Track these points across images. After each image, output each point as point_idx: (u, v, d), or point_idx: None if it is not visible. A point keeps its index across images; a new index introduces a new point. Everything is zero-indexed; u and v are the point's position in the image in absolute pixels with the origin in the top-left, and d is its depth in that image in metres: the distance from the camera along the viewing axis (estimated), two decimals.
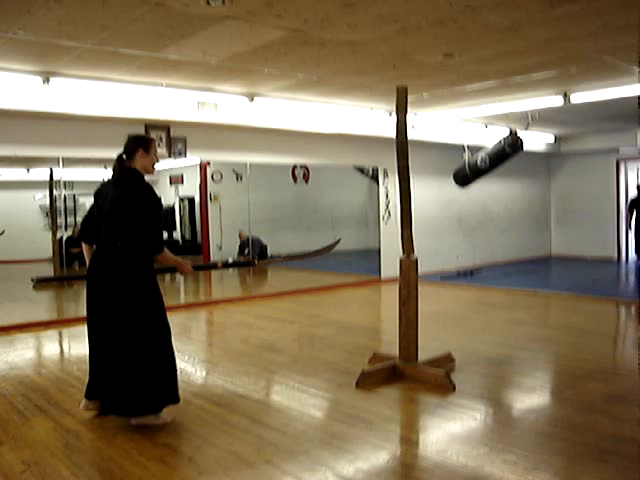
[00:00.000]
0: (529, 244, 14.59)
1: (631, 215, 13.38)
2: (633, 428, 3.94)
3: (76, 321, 7.90)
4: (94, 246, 4.24)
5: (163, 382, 4.13)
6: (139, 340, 4.04)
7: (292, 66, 6.51)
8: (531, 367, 5.56)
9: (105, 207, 4.11)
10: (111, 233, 4.05)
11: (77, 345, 6.96)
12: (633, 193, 13.75)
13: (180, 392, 4.74)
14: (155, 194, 4.09)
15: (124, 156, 4.19)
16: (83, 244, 4.37)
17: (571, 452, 3.58)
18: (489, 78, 7.34)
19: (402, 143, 5.15)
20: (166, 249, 4.11)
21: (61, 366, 6.00)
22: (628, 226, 13.59)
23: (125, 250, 4.01)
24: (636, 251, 13.48)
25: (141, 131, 8.24)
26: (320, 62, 6.35)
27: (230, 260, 14.57)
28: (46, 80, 6.60)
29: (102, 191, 4.26)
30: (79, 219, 15.29)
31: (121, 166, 4.18)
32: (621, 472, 3.28)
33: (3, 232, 9.05)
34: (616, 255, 14.07)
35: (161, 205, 4.17)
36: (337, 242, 5.36)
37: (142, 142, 4.21)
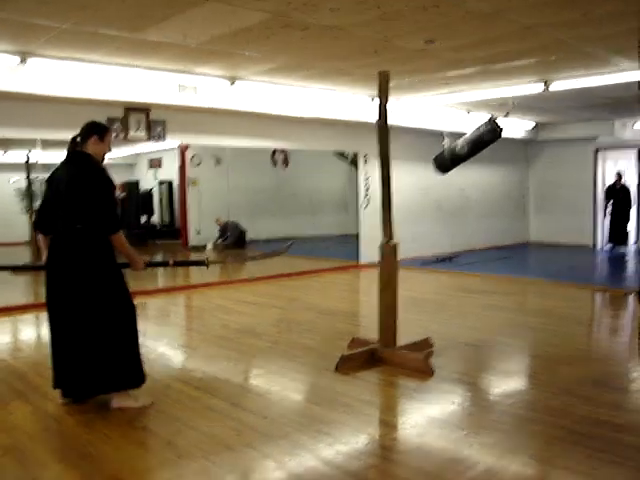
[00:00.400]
0: (507, 230, 14.69)
1: (607, 203, 13.58)
2: (608, 411, 4.00)
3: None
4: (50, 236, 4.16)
5: (126, 363, 4.12)
6: (102, 321, 4.01)
7: (273, 50, 6.47)
8: (508, 352, 5.63)
9: (61, 190, 4.05)
10: (68, 216, 3.98)
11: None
12: (611, 181, 13.88)
13: (159, 376, 4.75)
14: (107, 175, 4.07)
15: (78, 139, 4.16)
16: (40, 234, 4.25)
17: (548, 435, 3.64)
18: (470, 65, 7.36)
19: (383, 128, 5.15)
20: (122, 235, 4.04)
21: (39, 350, 5.95)
22: (604, 214, 13.78)
23: (84, 233, 3.96)
24: (610, 239, 13.68)
25: (120, 114, 8.17)
26: (302, 46, 6.32)
27: (209, 246, 14.56)
28: (23, 60, 6.51)
29: (55, 176, 4.19)
30: None
31: (74, 149, 4.16)
32: (597, 454, 3.33)
33: None
34: (592, 242, 14.22)
35: (113, 186, 4.12)
36: (289, 246, 5.41)
37: (98, 129, 4.18)
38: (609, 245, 13.68)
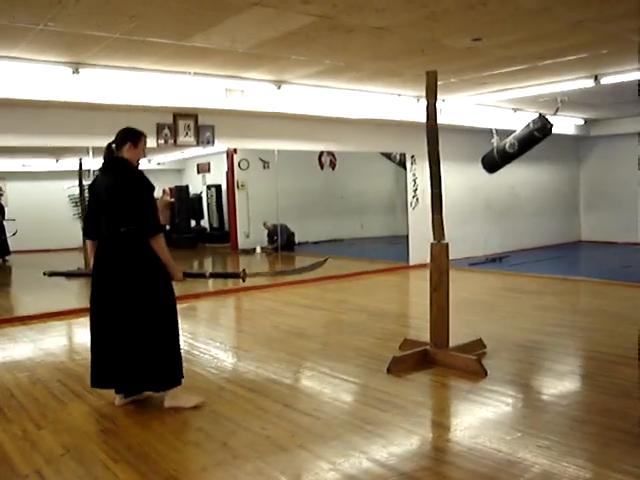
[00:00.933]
0: (558, 229, 14.45)
1: None
2: None
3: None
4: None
5: (170, 362, 4.18)
6: (147, 321, 4.09)
7: (319, 52, 6.49)
8: (562, 353, 5.53)
9: (102, 197, 4.16)
10: (112, 221, 4.10)
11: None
12: None
13: (213, 378, 4.83)
14: (145, 178, 4.13)
15: (113, 146, 4.25)
16: (88, 241, 4.38)
17: (604, 438, 3.57)
18: (518, 62, 7.26)
19: (432, 128, 5.13)
20: (162, 239, 4.10)
21: None
22: None
23: (128, 236, 4.05)
24: None
25: (169, 119, 8.30)
26: (347, 48, 6.33)
27: (258, 249, 14.66)
28: (76, 71, 6.66)
29: (95, 183, 4.31)
30: None
31: (110, 156, 4.25)
32: None
33: (15, 233, 9.13)
34: None
35: (153, 189, 4.17)
36: (325, 261, 5.43)
37: (131, 136, 4.24)
38: None
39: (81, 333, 7.19)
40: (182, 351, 4.36)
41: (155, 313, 4.13)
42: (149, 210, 4.09)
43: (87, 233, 4.36)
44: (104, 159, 4.28)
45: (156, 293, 4.15)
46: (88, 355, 5.85)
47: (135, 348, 4.09)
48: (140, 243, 4.07)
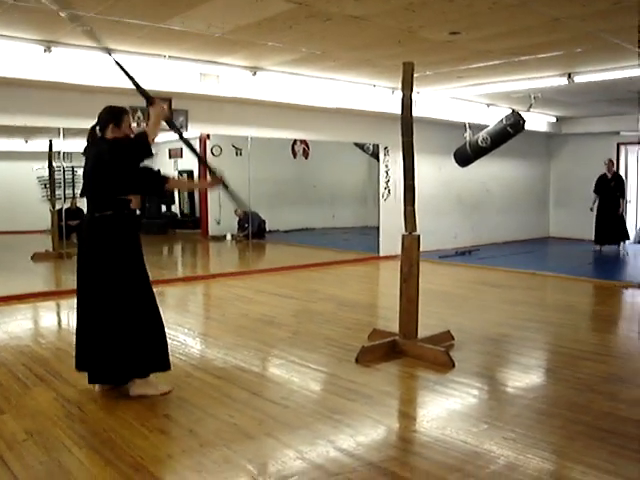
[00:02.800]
0: (528, 225, 14.59)
1: (596, 196, 12.32)
2: (630, 408, 3.97)
3: (74, 292, 7.89)
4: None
5: (150, 348, 4.14)
6: (126, 306, 4.05)
7: (296, 40, 6.45)
8: (530, 347, 5.58)
9: (85, 170, 4.18)
10: (92, 195, 4.11)
11: (75, 316, 6.97)
12: (624, 174, 13.68)
13: (180, 364, 4.79)
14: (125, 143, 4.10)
15: (97, 128, 4.19)
16: None
17: (569, 431, 3.61)
18: (494, 57, 7.29)
19: (407, 119, 5.13)
20: (172, 179, 4.11)
21: (60, 337, 6.01)
22: (591, 209, 12.39)
23: (111, 218, 4.03)
24: (596, 239, 12.37)
25: (142, 103, 8.17)
26: (325, 36, 6.29)
27: (229, 236, 14.60)
28: (47, 49, 6.54)
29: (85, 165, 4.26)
30: (77, 191, 15.26)
31: (93, 138, 4.21)
32: (618, 451, 3.31)
33: None
34: None
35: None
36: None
37: (113, 116, 4.16)
38: (597, 246, 12.39)
39: (48, 317, 7.10)
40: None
41: (134, 298, 4.09)
42: (143, 171, 4.17)
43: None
44: (87, 142, 4.22)
45: (135, 277, 4.12)
46: (54, 339, 5.84)
47: (111, 334, 4.03)
48: (122, 224, 4.06)
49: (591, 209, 12.37)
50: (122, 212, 4.10)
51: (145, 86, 7.72)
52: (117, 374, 4.12)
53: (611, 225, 12.17)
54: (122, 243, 4.08)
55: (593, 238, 12.45)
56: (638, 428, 3.64)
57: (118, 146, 4.04)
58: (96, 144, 4.17)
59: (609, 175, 12.31)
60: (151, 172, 4.19)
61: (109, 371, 4.10)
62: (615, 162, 13.95)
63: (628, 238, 12.50)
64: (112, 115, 4.16)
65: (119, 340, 4.03)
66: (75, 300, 4.30)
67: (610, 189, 12.19)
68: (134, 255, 4.14)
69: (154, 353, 4.17)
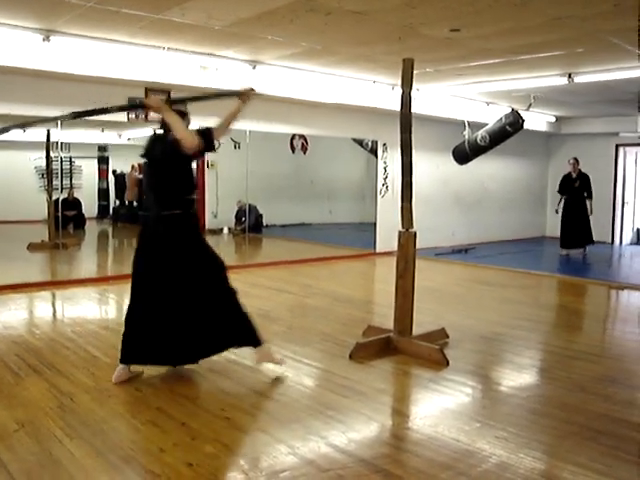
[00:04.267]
0: (524, 224, 14.59)
1: (562, 196, 11.98)
2: (623, 409, 3.98)
3: (69, 283, 7.90)
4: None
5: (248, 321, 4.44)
6: (208, 291, 4.34)
7: (296, 34, 6.43)
8: (524, 346, 5.58)
9: (148, 165, 4.37)
10: (156, 191, 4.27)
11: (70, 307, 6.96)
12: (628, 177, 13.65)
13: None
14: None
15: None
16: None
17: (561, 431, 3.61)
18: (494, 55, 7.28)
19: (406, 116, 5.11)
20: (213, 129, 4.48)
21: (55, 327, 6.00)
22: (556, 210, 12.18)
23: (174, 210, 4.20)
24: (561, 243, 11.88)
25: (141, 95, 8.16)
26: (325, 31, 6.27)
27: (225, 229, 14.58)
28: (46, 38, 6.50)
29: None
30: (75, 181, 15.23)
31: (155, 138, 4.45)
32: (610, 451, 3.31)
33: None
34: (610, 239, 14.10)
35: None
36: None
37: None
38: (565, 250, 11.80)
39: (42, 307, 7.09)
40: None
41: (214, 269, 4.44)
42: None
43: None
44: (149, 144, 4.44)
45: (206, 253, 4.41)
46: (48, 329, 5.81)
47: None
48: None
49: (556, 211, 12.11)
50: (189, 211, 4.27)
51: (144, 77, 7.76)
52: (204, 351, 4.34)
53: (576, 228, 11.69)
54: (194, 239, 4.30)
55: (560, 242, 11.92)
56: (630, 429, 3.64)
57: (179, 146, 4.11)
58: (161, 142, 4.30)
59: (574, 174, 11.85)
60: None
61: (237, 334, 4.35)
62: (614, 163, 14.00)
63: (592, 242, 11.86)
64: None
65: (205, 320, 4.27)
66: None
67: (575, 189, 11.77)
68: (204, 248, 4.36)
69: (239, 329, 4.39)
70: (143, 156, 4.36)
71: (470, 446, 3.35)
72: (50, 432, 3.43)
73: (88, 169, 16.01)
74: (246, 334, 4.38)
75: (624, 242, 14.15)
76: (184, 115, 4.35)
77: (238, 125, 9.83)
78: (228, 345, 4.43)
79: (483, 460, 3.18)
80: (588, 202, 11.72)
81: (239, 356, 4.91)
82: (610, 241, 14.09)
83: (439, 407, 3.99)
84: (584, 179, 11.79)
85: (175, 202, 4.20)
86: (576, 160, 11.94)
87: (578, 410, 3.93)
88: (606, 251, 12.99)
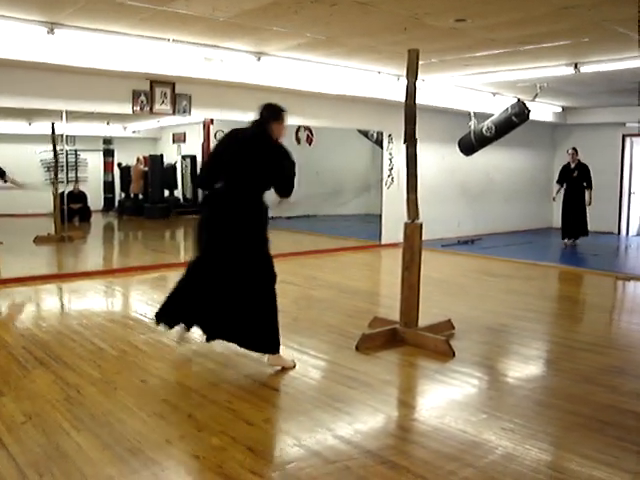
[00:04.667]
0: (530, 215, 14.54)
1: (560, 186, 11.87)
2: (629, 400, 3.97)
3: (76, 276, 7.92)
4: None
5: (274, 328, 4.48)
6: (263, 283, 4.47)
7: (301, 25, 6.40)
8: (530, 337, 5.58)
9: (243, 160, 4.38)
10: (247, 184, 4.39)
11: (77, 300, 6.98)
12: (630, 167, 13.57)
13: (180, 349, 4.82)
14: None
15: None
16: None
17: (567, 422, 3.61)
18: (500, 45, 7.24)
19: (411, 107, 5.09)
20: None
21: (61, 320, 6.01)
22: (554, 199, 12.26)
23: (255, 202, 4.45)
24: (563, 233, 11.86)
25: (146, 86, 8.16)
26: (330, 22, 6.24)
27: None
28: (51, 31, 6.49)
29: (232, 141, 4.54)
30: (80, 174, 15.24)
31: (254, 127, 4.50)
32: (617, 443, 3.31)
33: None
34: (617, 229, 14.06)
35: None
36: None
37: (274, 113, 4.49)
38: (567, 240, 11.77)
39: (49, 300, 7.10)
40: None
41: (268, 275, 4.51)
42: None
43: (204, 183, 4.66)
44: (251, 125, 4.52)
45: (268, 256, 4.57)
46: (55, 322, 5.83)
47: (253, 304, 4.38)
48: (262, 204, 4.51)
49: (554, 199, 12.16)
50: (264, 203, 4.52)
51: (149, 69, 7.73)
52: (264, 344, 4.43)
53: (574, 218, 11.61)
54: (265, 231, 4.58)
55: (562, 232, 11.90)
56: (636, 420, 3.64)
57: (288, 158, 4.47)
58: (258, 139, 4.44)
59: (572, 165, 11.71)
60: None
61: (257, 341, 4.42)
62: (621, 153, 13.92)
63: (586, 234, 11.73)
64: (274, 112, 4.48)
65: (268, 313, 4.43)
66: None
67: (573, 179, 11.62)
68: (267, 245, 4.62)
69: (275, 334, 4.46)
70: (232, 146, 4.50)
71: (476, 437, 3.35)
72: (57, 424, 3.44)
73: (93, 162, 16.04)
74: (265, 342, 4.43)
75: (630, 233, 14.09)
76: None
77: (243, 117, 9.87)
78: (245, 345, 4.47)
79: (489, 451, 3.19)
80: (587, 192, 11.57)
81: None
82: (617, 232, 14.03)
83: (445, 398, 3.99)
84: (583, 169, 11.64)
85: (257, 195, 4.47)
86: (575, 150, 11.76)
87: (584, 401, 3.93)
88: (612, 242, 12.95)
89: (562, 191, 11.84)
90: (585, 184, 11.58)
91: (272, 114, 4.47)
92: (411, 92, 5.09)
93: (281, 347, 4.48)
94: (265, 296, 4.43)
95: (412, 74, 5.09)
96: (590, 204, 11.57)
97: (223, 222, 4.36)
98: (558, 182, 11.91)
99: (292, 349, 4.92)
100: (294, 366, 4.48)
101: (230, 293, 4.37)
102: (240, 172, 4.36)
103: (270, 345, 4.41)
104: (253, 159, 4.39)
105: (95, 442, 3.23)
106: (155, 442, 3.25)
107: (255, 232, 4.48)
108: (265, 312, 4.40)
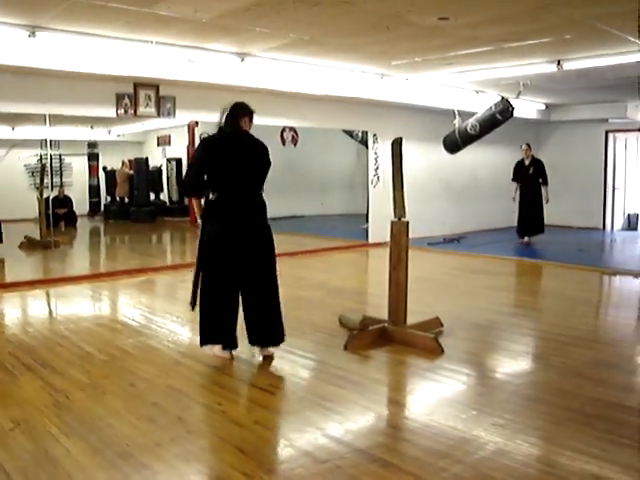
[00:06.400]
0: (515, 212, 14.57)
1: (517, 184, 11.55)
2: (617, 393, 4.00)
3: (62, 281, 7.86)
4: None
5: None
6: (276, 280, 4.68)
7: (284, 25, 6.38)
8: (517, 333, 5.60)
9: (246, 162, 4.55)
10: (254, 185, 4.62)
11: (64, 305, 6.94)
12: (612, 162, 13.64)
13: (169, 352, 4.80)
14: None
15: (228, 119, 4.65)
16: (194, 199, 4.77)
17: (557, 416, 3.63)
18: (483, 43, 7.25)
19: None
20: None
21: (48, 325, 5.97)
22: (513, 197, 11.63)
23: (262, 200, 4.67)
24: (518, 230, 11.62)
25: (130, 90, 8.11)
26: (313, 22, 6.23)
27: None
28: (32, 34, 6.43)
29: (228, 146, 4.59)
30: (65, 179, 15.15)
31: (236, 128, 4.63)
32: (607, 436, 3.32)
33: None
34: (602, 224, 14.15)
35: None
36: None
37: (248, 111, 4.79)
38: (524, 238, 11.51)
39: (36, 305, 7.05)
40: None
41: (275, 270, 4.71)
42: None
43: (195, 191, 4.72)
44: (231, 127, 4.63)
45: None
46: (41, 327, 5.79)
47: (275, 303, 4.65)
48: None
49: (513, 198, 11.57)
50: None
51: (132, 72, 7.71)
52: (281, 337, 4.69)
53: (530, 216, 11.34)
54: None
55: (516, 229, 11.69)
56: (625, 413, 3.66)
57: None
58: (246, 141, 4.68)
59: (527, 161, 11.47)
60: None
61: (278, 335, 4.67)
62: (604, 149, 14.01)
63: (542, 231, 11.48)
64: (247, 110, 4.77)
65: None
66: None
67: (529, 176, 11.36)
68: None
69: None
70: (230, 150, 4.57)
71: (467, 434, 3.35)
72: (46, 430, 3.42)
73: (78, 166, 15.96)
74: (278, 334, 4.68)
75: (615, 228, 14.19)
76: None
77: None
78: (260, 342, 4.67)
79: (480, 447, 3.19)
80: (544, 189, 11.34)
81: (234, 350, 4.90)
82: (602, 227, 14.12)
83: (435, 396, 4.00)
84: (538, 165, 11.41)
85: (259, 193, 4.70)
86: (528, 146, 11.54)
87: (574, 395, 3.95)
88: (598, 237, 13.03)
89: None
90: (541, 180, 11.35)
91: (246, 112, 4.74)
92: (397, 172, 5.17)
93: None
94: (276, 289, 4.69)
95: (397, 159, 5.18)
96: (548, 201, 11.38)
97: (249, 228, 4.53)
98: (513, 180, 11.57)
99: (280, 349, 4.89)
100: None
101: (262, 293, 4.60)
102: (250, 176, 4.58)
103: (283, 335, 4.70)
104: (258, 161, 4.64)
105: (84, 447, 3.21)
106: (145, 446, 3.24)
107: (269, 230, 4.69)
108: (278, 303, 4.69)
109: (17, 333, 5.53)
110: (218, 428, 3.44)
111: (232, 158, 4.50)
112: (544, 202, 11.37)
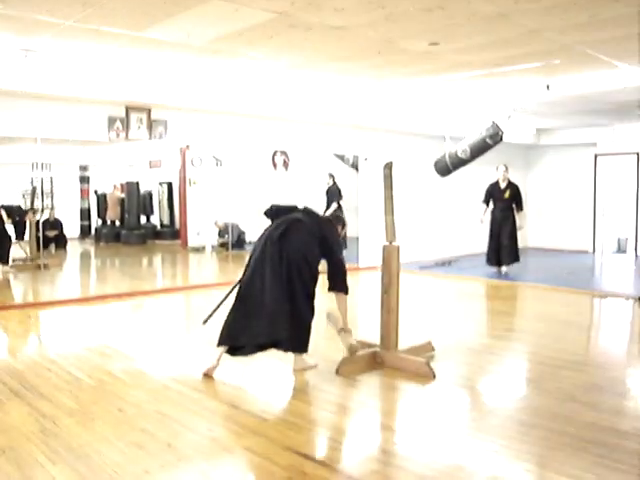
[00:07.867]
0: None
1: (487, 206, 10.92)
2: (609, 417, 3.97)
3: (51, 304, 7.80)
4: None
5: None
6: None
7: (277, 50, 6.42)
8: (510, 357, 5.58)
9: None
10: None
11: (53, 328, 6.87)
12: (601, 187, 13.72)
13: (159, 377, 4.74)
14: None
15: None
16: None
17: (552, 441, 3.59)
18: (473, 68, 7.31)
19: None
20: None
21: (37, 349, 5.91)
22: (481, 220, 10.96)
23: None
24: (489, 259, 10.83)
25: (122, 113, 8.12)
26: (305, 46, 6.27)
27: (209, 247, 14.52)
28: (24, 57, 6.44)
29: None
30: (56, 202, 15.10)
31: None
32: (601, 461, 3.29)
33: None
34: (592, 248, 14.19)
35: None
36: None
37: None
38: (501, 267, 10.67)
39: (24, 329, 6.97)
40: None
41: None
42: None
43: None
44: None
45: None
46: (30, 352, 5.73)
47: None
48: None
49: (481, 221, 10.91)
50: None
51: (124, 95, 7.74)
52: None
53: (503, 243, 10.64)
54: None
55: (486, 258, 10.90)
56: (619, 437, 3.63)
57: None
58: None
59: (502, 184, 10.82)
60: None
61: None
62: (593, 173, 14.08)
63: (517, 260, 10.71)
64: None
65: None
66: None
67: (503, 200, 10.72)
68: None
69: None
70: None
71: (460, 460, 3.32)
72: (32, 457, 3.36)
73: (69, 189, 15.92)
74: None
75: (606, 251, 14.22)
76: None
77: (220, 142, 9.86)
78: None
79: (473, 474, 3.16)
80: (518, 215, 10.70)
81: (225, 374, 4.86)
82: (592, 250, 14.16)
83: (427, 421, 3.96)
84: (514, 189, 10.78)
85: None
86: (506, 167, 10.90)
87: (567, 420, 3.92)
88: (587, 260, 13.06)
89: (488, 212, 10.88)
90: (515, 205, 10.69)
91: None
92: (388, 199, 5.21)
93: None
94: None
95: (388, 185, 5.20)
96: (522, 228, 10.87)
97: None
98: (484, 202, 10.91)
99: (271, 374, 4.88)
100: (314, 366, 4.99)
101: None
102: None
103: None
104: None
105: (72, 475, 3.15)
106: (134, 473, 3.18)
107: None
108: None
109: (5, 357, 5.47)
110: (208, 454, 3.39)
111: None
112: (517, 229, 10.72)
